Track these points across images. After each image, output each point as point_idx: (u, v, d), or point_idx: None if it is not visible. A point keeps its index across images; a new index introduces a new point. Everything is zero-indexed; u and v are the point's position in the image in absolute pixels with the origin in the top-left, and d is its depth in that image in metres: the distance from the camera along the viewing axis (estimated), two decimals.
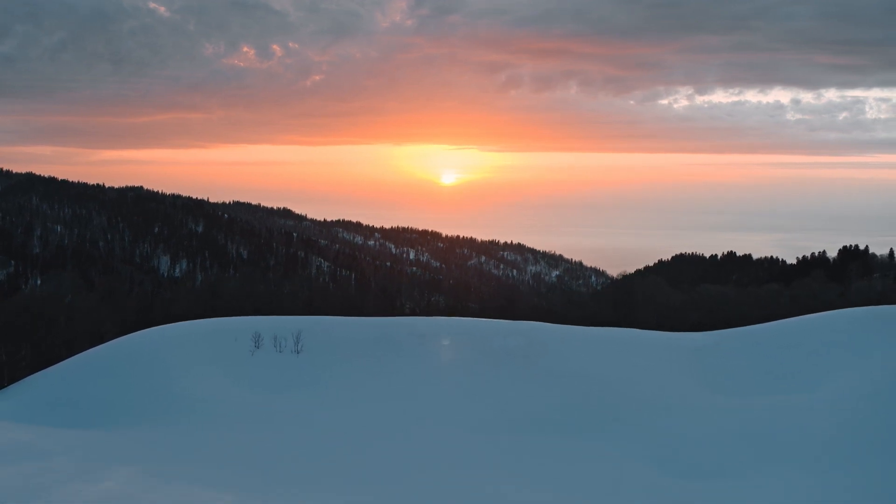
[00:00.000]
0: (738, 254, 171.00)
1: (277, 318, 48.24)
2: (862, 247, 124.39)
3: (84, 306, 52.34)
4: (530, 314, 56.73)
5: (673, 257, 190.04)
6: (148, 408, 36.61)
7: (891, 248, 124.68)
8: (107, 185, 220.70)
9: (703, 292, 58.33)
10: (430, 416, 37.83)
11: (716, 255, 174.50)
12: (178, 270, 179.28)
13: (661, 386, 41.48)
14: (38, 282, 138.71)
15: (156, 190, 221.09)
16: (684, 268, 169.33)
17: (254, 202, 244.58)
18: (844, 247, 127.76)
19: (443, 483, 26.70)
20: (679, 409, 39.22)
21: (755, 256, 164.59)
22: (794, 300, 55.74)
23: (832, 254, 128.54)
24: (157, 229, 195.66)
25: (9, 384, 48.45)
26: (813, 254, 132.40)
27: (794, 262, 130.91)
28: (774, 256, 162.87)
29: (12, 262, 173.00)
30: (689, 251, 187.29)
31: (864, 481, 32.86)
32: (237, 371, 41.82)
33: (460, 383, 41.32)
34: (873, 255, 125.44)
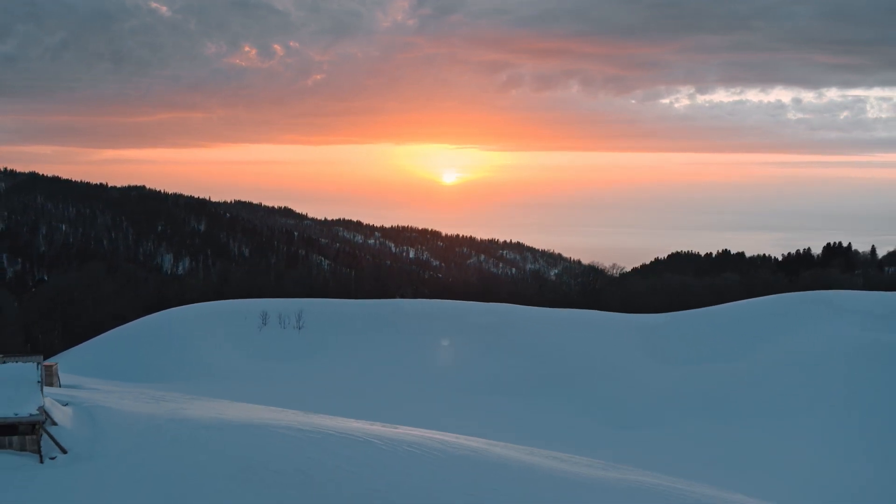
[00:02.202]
0: (732, 252, 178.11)
1: (281, 300, 56.56)
2: (868, 246, 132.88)
3: (108, 292, 60.60)
4: (508, 300, 64.66)
5: (669, 255, 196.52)
6: (172, 371, 44.98)
7: (872, 245, 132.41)
8: (109, 185, 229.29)
9: (665, 281, 65.98)
10: (413, 378, 46.13)
11: (710, 254, 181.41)
12: (181, 268, 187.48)
13: (611, 356, 49.69)
14: (46, 278, 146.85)
15: (158, 189, 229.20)
16: (680, 265, 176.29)
17: (255, 201, 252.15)
18: (828, 244, 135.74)
19: (425, 427, 34.88)
20: (622, 374, 47.49)
21: (748, 254, 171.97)
22: (746, 288, 63.53)
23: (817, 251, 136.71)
24: (160, 228, 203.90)
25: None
26: (798, 251, 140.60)
27: (780, 258, 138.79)
28: (766, 254, 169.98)
29: (19, 259, 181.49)
30: (686, 250, 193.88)
31: (768, 431, 41.18)
32: (247, 344, 50.13)
33: (439, 353, 49.57)
34: (856, 251, 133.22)
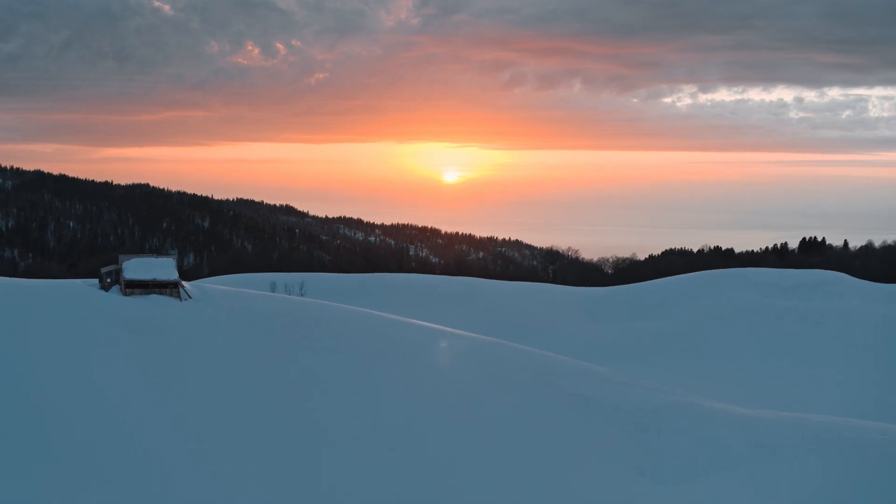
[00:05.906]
0: (722, 248, 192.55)
1: (286, 273, 70.81)
2: (880, 242, 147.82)
3: None
4: (477, 276, 78.73)
5: (662, 252, 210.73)
6: None
7: (845, 240, 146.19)
8: (114, 183, 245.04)
9: (618, 262, 79.81)
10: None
11: (702, 250, 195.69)
12: (185, 264, 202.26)
13: (554, 318, 63.75)
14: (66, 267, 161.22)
15: (161, 187, 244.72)
16: (673, 262, 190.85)
17: (257, 199, 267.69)
18: (804, 238, 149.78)
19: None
20: (562, 331, 61.52)
21: (741, 251, 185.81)
22: (691, 268, 77.36)
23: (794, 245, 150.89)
24: (164, 224, 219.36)
25: None
26: (776, 245, 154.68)
27: (757, 251, 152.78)
28: (754, 250, 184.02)
29: (30, 254, 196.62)
30: (679, 247, 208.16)
31: (668, 370, 55.05)
32: None
33: (416, 314, 63.59)
34: (829, 245, 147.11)
